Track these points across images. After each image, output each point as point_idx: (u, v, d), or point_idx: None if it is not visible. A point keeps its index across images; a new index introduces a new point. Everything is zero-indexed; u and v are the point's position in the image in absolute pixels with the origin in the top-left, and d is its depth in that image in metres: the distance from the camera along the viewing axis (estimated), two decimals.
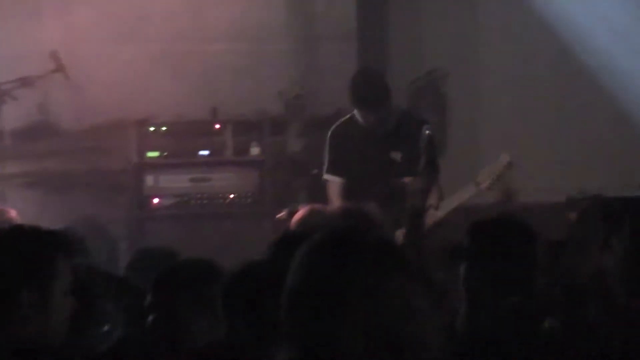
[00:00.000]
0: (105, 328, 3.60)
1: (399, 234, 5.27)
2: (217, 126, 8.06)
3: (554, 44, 8.17)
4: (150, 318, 3.57)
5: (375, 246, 2.34)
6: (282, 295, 2.34)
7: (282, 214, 5.74)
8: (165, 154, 7.94)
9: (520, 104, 8.28)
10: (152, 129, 7.92)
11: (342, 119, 6.52)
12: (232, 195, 7.96)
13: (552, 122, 8.22)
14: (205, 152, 8.04)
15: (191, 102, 8.06)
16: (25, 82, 7.66)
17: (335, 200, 6.31)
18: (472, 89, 8.15)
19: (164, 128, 7.96)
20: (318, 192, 6.74)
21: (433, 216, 5.91)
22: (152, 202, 7.92)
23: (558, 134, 8.20)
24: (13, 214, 5.95)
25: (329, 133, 6.52)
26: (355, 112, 6.36)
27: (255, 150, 8.05)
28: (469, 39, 8.52)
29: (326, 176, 6.48)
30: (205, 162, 8.05)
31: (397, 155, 6.34)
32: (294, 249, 2.94)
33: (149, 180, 7.90)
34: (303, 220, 5.03)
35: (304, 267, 2.33)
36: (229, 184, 8.01)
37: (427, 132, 5.76)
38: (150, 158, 7.90)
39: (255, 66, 8.38)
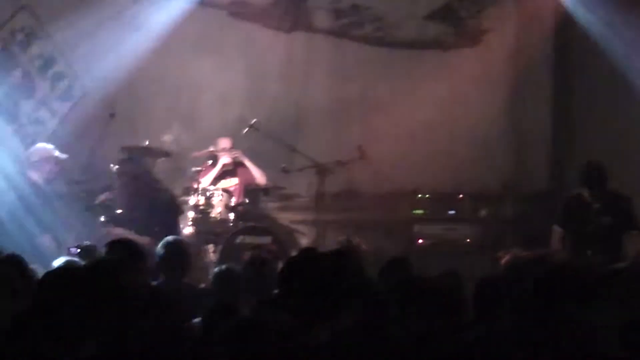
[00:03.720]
0: None
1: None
2: (460, 196, 10.20)
3: None
4: None
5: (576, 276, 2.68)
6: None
7: (499, 254, 6.03)
8: (427, 211, 10.04)
9: None
10: (419, 195, 10.17)
11: (574, 192, 7.70)
12: (468, 240, 9.96)
13: None
14: (452, 212, 10.16)
15: (445, 180, 10.12)
16: (339, 164, 9.64)
17: (555, 243, 7.55)
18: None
19: (427, 195, 10.12)
20: (523, 243, 7.94)
21: None
22: (418, 241, 9.92)
23: None
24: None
25: (564, 200, 7.79)
26: (583, 190, 7.62)
27: (483, 213, 10.21)
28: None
29: (554, 226, 7.67)
30: (452, 218, 10.09)
31: (607, 220, 7.50)
32: (501, 279, 4.58)
33: (416, 227, 9.99)
34: (508, 261, 5.70)
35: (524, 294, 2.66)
36: (467, 233, 9.95)
37: (631, 204, 7.48)
38: (416, 214, 10.11)
39: (484, 158, 10.42)
